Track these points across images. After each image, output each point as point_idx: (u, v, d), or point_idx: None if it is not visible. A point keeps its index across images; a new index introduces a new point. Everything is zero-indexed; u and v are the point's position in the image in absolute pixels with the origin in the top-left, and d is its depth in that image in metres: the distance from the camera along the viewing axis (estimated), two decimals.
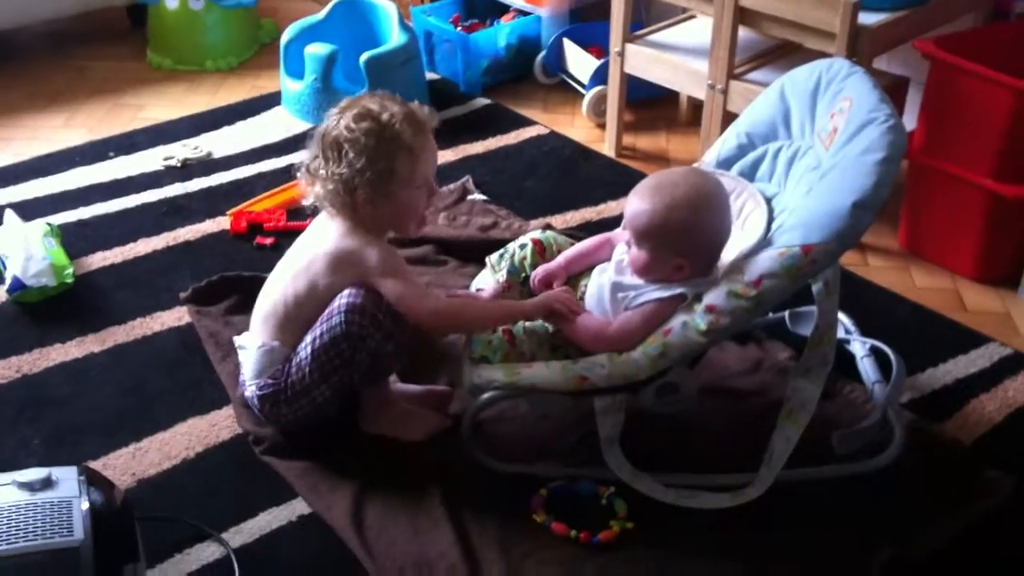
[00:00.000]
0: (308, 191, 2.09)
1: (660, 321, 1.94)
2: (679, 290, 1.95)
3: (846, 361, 2.24)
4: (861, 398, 2.20)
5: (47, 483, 1.63)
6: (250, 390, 2.09)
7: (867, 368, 2.22)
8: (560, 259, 2.15)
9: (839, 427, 2.04)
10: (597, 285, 2.06)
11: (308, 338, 2.00)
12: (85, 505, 1.61)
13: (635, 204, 1.97)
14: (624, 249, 2.04)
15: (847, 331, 2.34)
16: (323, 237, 2.06)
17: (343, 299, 1.97)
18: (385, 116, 2.00)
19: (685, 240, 1.94)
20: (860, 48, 2.57)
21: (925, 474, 2.03)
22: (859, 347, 2.28)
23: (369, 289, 1.98)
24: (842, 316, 2.31)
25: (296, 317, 2.04)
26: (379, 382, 2.10)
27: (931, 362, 2.36)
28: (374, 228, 2.06)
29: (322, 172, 2.03)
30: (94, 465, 2.04)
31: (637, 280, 2.00)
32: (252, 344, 2.08)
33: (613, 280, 2.03)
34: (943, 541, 1.92)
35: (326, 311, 1.99)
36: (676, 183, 1.97)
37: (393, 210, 2.05)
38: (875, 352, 2.25)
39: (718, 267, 1.99)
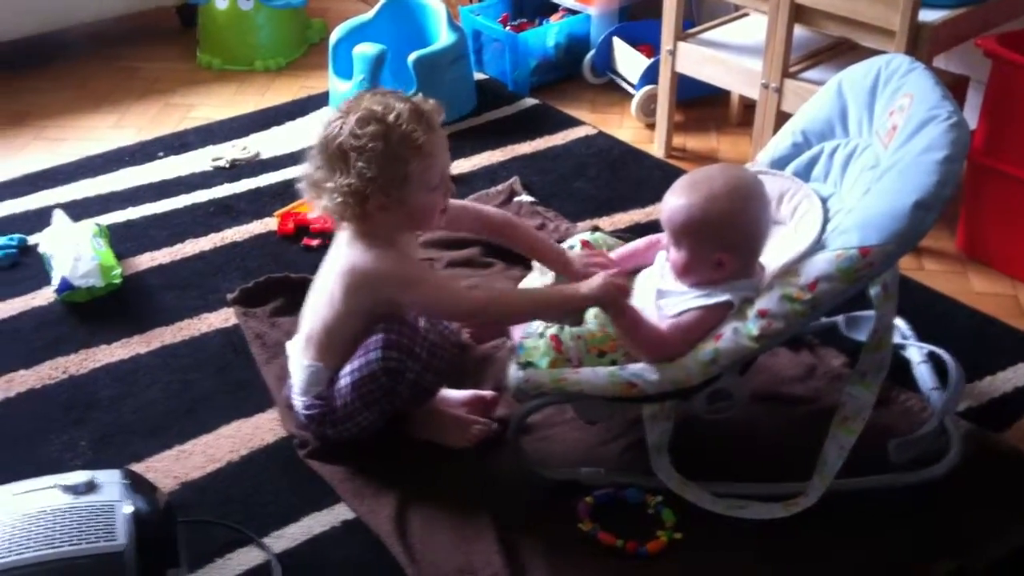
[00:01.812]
0: (316, 205, 1.95)
1: (706, 329, 1.89)
2: (724, 297, 1.89)
3: (901, 368, 2.18)
4: (917, 406, 2.14)
5: (90, 487, 1.63)
6: (297, 402, 2.07)
7: (924, 375, 2.16)
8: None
9: (895, 435, 1.99)
10: (642, 291, 2.01)
11: (348, 368, 1.97)
12: (128, 509, 1.60)
13: (672, 201, 1.92)
14: (665, 256, 2.00)
15: (903, 336, 2.27)
16: (339, 253, 1.98)
17: (379, 335, 1.93)
18: (391, 117, 1.85)
19: (725, 233, 1.88)
20: (920, 46, 2.51)
21: (983, 485, 1.97)
22: (916, 353, 2.22)
23: (404, 323, 1.94)
24: (898, 321, 2.24)
25: (334, 339, 2.00)
26: (422, 406, 2.07)
27: (989, 370, 2.29)
28: (388, 235, 1.94)
29: (329, 185, 1.88)
30: (137, 467, 2.04)
31: (680, 285, 1.96)
32: (298, 359, 2.05)
33: (656, 287, 1.98)
34: (1002, 553, 1.86)
35: (362, 346, 1.95)
36: (712, 176, 1.93)
37: (409, 215, 1.94)
38: (932, 358, 2.19)
39: (762, 270, 1.94)
